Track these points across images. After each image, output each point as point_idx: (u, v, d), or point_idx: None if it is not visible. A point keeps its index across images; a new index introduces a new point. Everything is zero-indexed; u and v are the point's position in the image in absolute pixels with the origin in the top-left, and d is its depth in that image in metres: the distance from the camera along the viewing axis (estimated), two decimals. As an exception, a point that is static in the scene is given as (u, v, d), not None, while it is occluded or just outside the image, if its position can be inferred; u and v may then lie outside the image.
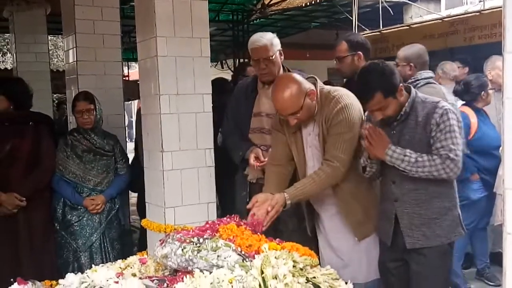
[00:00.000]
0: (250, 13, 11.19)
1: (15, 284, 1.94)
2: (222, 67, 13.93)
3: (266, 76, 3.35)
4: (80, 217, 3.79)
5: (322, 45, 10.72)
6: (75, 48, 4.66)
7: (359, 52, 3.54)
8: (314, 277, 2.20)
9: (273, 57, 3.30)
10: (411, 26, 8.22)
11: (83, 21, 4.63)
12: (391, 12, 9.91)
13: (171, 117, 3.18)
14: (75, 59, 4.67)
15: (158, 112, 3.17)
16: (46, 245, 3.73)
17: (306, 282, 2.12)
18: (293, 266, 2.13)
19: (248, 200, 2.96)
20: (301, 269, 2.17)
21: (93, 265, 2.28)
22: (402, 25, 8.88)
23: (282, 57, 3.40)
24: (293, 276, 2.09)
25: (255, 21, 11.70)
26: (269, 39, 3.33)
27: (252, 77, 3.64)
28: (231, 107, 3.62)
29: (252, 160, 3.25)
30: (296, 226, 3.27)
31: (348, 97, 2.84)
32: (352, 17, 9.38)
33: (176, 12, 3.18)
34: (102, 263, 3.05)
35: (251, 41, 3.41)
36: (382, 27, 8.81)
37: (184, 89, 3.21)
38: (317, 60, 11.81)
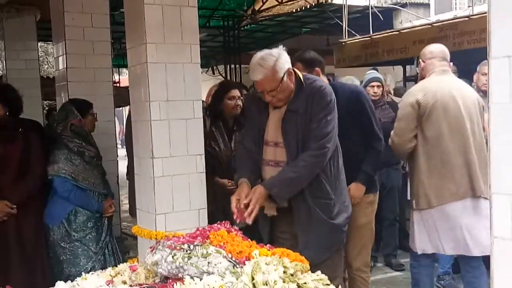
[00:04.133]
0: (241, 19, 11.22)
1: (4, 292, 1.92)
2: (213, 73, 13.93)
3: (275, 104, 2.96)
4: (95, 221, 3.85)
5: (313, 50, 10.74)
6: (65, 55, 4.65)
7: (317, 68, 3.51)
8: (305, 283, 2.20)
9: (280, 87, 2.83)
10: (401, 31, 8.26)
11: (73, 28, 4.63)
12: (381, 17, 9.98)
13: (161, 124, 3.16)
14: (65, 66, 4.66)
15: (148, 119, 3.16)
16: (37, 252, 3.69)
17: (297, 288, 2.13)
18: (284, 272, 2.14)
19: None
20: (292, 275, 2.18)
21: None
22: (392, 30, 8.92)
23: (292, 76, 2.90)
24: (284, 282, 2.09)
25: (246, 27, 11.72)
26: (270, 67, 2.80)
27: None
28: (247, 119, 3.40)
29: (233, 207, 2.81)
30: None
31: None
32: (342, 22, 9.43)
33: (165, 18, 3.17)
34: (116, 265, 3.05)
35: (250, 69, 2.90)
36: (372, 32, 8.85)
37: (174, 95, 3.20)
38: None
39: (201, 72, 13.46)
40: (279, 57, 2.83)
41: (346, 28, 9.31)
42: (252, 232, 2.93)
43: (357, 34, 9.23)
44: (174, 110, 3.20)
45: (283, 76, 2.81)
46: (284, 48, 2.93)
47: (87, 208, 3.81)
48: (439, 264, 4.77)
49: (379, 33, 8.48)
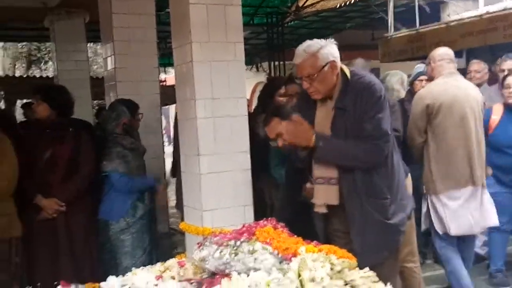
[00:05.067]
0: (285, 15, 11.19)
1: (59, 286, 1.98)
2: (257, 70, 13.96)
3: (313, 95, 2.86)
4: (149, 215, 4.02)
5: (357, 45, 10.62)
6: (113, 56, 4.76)
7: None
8: (353, 280, 2.18)
9: (317, 75, 2.74)
10: (449, 24, 8.07)
11: (120, 29, 4.73)
12: (428, 10, 9.75)
13: (207, 121, 3.21)
14: (114, 66, 4.77)
15: (194, 117, 3.21)
16: (86, 249, 3.79)
17: (344, 285, 2.11)
18: (331, 269, 2.12)
19: None
20: (339, 272, 2.16)
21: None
22: (439, 23, 8.72)
23: (337, 70, 2.79)
24: (331, 279, 2.08)
25: (289, 24, 11.69)
26: (312, 52, 2.75)
27: None
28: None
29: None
30: None
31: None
32: (387, 16, 9.28)
33: (210, 17, 3.21)
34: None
35: (295, 55, 2.85)
36: (419, 26, 8.67)
37: (219, 93, 3.24)
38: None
39: (245, 70, 13.58)
40: (324, 46, 2.78)
41: (392, 22, 9.16)
42: (300, 229, 2.91)
43: (403, 28, 9.06)
44: (219, 108, 3.24)
45: (324, 65, 2.76)
46: (335, 42, 2.88)
47: (148, 186, 4.01)
48: (491, 261, 4.70)
49: (426, 26, 8.31)
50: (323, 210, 2.89)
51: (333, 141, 2.78)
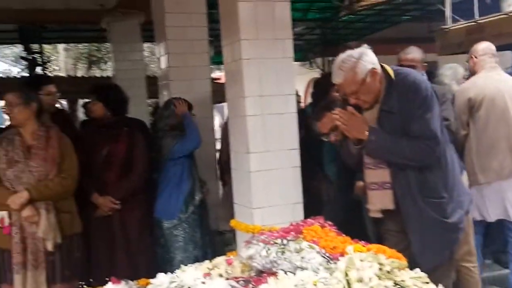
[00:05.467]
0: (339, 10, 11.04)
1: (109, 283, 2.04)
2: (311, 66, 13.87)
3: (363, 106, 2.80)
4: (200, 210, 4.09)
5: (414, 38, 10.33)
6: (166, 55, 4.84)
7: None
8: (403, 280, 2.13)
9: (361, 89, 2.70)
10: (510, 14, 7.72)
11: (173, 28, 4.80)
12: (487, 0, 9.36)
13: (256, 119, 3.21)
14: (167, 65, 4.85)
15: (244, 114, 3.22)
16: (141, 246, 3.87)
17: (393, 286, 2.07)
18: (380, 269, 2.08)
19: None
20: (388, 272, 2.12)
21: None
22: (500, 13, 8.35)
23: (378, 76, 2.74)
24: (380, 279, 2.04)
25: (343, 18, 11.53)
26: (350, 68, 2.69)
27: None
28: None
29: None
30: None
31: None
32: (445, 8, 8.99)
33: (259, 14, 3.21)
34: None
35: (332, 73, 2.82)
36: (478, 17, 8.34)
37: (268, 90, 3.24)
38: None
39: (299, 66, 13.46)
40: (360, 58, 2.70)
41: (450, 13, 8.86)
42: (351, 228, 2.86)
43: (461, 19, 8.75)
44: (268, 105, 3.24)
45: (365, 77, 2.68)
46: (369, 47, 2.80)
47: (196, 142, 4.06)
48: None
49: (486, 17, 7.98)
50: (379, 215, 2.84)
51: (386, 136, 2.72)
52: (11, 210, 3.24)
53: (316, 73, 12.17)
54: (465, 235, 3.42)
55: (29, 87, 3.78)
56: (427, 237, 2.76)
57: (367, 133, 2.71)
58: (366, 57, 2.72)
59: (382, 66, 2.79)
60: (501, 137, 3.94)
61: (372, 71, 2.70)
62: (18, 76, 11.74)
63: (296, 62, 13.55)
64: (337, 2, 10.55)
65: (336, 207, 3.74)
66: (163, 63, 4.97)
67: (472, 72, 4.25)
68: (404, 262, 2.23)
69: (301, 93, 10.34)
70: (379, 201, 2.81)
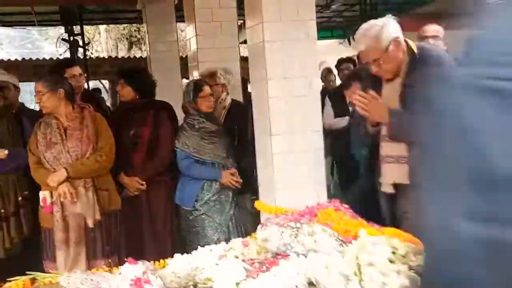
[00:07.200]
0: (378, -14, 10.80)
1: (126, 263, 2.10)
2: (350, 44, 13.63)
3: (384, 76, 2.83)
4: (219, 195, 3.95)
5: (455, 12, 10.02)
6: (195, 36, 4.86)
7: None
8: (419, 265, 2.10)
9: (384, 57, 2.70)
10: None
11: (202, 10, 4.82)
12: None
13: (279, 101, 3.21)
14: (196, 47, 4.88)
15: (266, 96, 3.22)
16: (167, 227, 3.95)
17: (408, 271, 2.05)
18: (393, 253, 2.06)
19: None
20: (403, 256, 2.10)
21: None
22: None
23: (401, 46, 2.73)
24: (393, 263, 2.02)
25: (383, -6, 11.26)
26: (373, 36, 2.70)
27: None
28: None
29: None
30: None
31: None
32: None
33: (281, -5, 3.18)
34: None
35: (355, 40, 2.90)
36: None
37: (291, 72, 3.23)
38: (455, 30, 11.07)
39: (339, 44, 13.26)
40: (384, 26, 2.71)
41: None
42: (373, 212, 2.84)
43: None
44: (291, 87, 3.23)
45: (388, 45, 2.69)
46: (394, 17, 2.77)
47: (207, 176, 3.90)
48: None
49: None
50: (391, 190, 2.81)
51: (407, 117, 2.67)
52: (53, 190, 3.36)
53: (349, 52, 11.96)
54: None
55: (54, 72, 3.87)
56: None
57: (388, 118, 2.67)
58: (390, 26, 2.73)
59: (405, 41, 2.78)
60: None
61: (396, 40, 2.71)
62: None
63: (335, 39, 13.39)
64: (376, -22, 10.31)
65: (355, 191, 3.71)
66: (192, 45, 5.01)
67: None
68: (420, 246, 2.21)
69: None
70: (393, 174, 2.79)
